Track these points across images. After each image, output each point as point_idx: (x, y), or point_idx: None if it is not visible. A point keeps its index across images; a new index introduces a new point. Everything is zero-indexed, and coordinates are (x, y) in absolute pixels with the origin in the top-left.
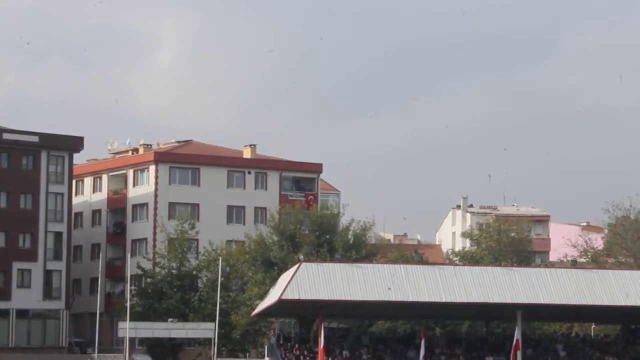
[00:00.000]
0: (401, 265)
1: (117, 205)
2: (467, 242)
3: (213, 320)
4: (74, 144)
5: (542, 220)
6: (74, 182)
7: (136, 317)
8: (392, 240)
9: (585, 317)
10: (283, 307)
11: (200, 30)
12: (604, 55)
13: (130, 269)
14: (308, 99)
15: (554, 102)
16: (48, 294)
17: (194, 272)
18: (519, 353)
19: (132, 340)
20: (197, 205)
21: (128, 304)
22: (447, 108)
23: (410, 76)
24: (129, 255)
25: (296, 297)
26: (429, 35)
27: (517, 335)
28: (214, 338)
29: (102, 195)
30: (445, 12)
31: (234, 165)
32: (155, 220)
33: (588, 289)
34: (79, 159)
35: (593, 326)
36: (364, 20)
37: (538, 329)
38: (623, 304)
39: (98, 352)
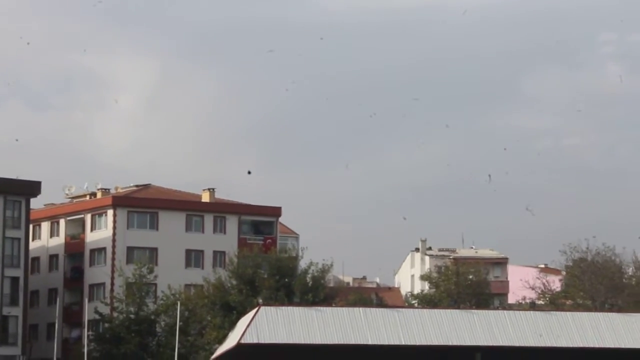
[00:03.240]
0: (360, 309)
1: (75, 249)
2: (426, 285)
3: None
4: (31, 188)
5: (500, 263)
6: (31, 226)
7: None
8: (351, 283)
9: (543, 358)
10: (242, 351)
11: (160, 75)
12: (564, 96)
13: (88, 314)
14: (266, 143)
15: (513, 143)
16: (4, 339)
17: (152, 317)
18: None
19: None
20: (156, 249)
21: (85, 350)
22: (406, 150)
23: (369, 119)
24: (86, 300)
25: (255, 341)
26: (385, 77)
27: None
28: None
29: (60, 240)
30: (407, 52)
31: (192, 209)
32: (113, 265)
33: (546, 331)
34: (36, 203)
35: None
36: (323, 66)
37: None
38: (581, 345)
39: None
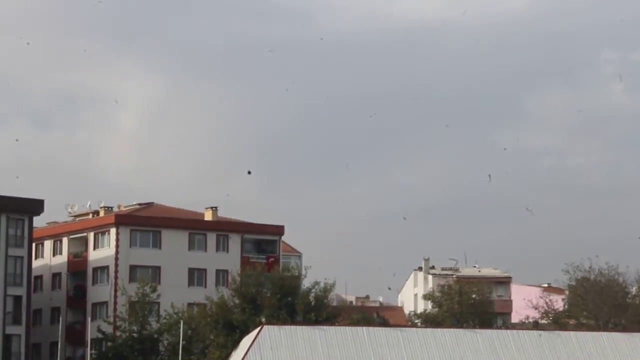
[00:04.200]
0: (363, 328)
1: (78, 268)
2: (429, 304)
3: None
4: (34, 207)
5: (503, 282)
6: (33, 245)
7: None
8: (354, 302)
9: None
10: None
11: (164, 94)
12: (567, 115)
13: (90, 333)
14: (269, 161)
15: (517, 162)
16: (7, 358)
17: (155, 336)
18: None
19: None
20: (159, 267)
21: None
22: (409, 170)
23: (371, 139)
24: (89, 319)
25: None
26: (390, 95)
27: None
28: None
29: (63, 259)
30: (410, 70)
31: (195, 227)
32: (115, 284)
33: (550, 350)
34: (39, 222)
35: None
36: (328, 85)
37: None
38: None
39: None
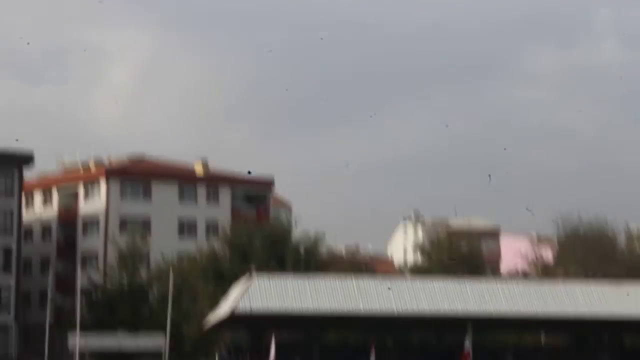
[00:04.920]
0: (353, 279)
1: (68, 219)
2: (418, 256)
3: (164, 332)
4: (24, 158)
5: (492, 233)
6: (24, 196)
7: (87, 329)
8: (343, 253)
9: (535, 327)
10: (234, 319)
11: (154, 46)
12: (560, 71)
13: (80, 283)
14: (259, 114)
15: (506, 117)
16: None
17: (145, 286)
18: None
19: (82, 352)
20: (149, 219)
21: (78, 316)
22: (401, 120)
23: (363, 91)
24: (79, 269)
25: (247, 310)
26: (382, 50)
27: (467, 345)
28: (165, 350)
29: (53, 210)
30: (401, 27)
31: (185, 179)
32: (106, 235)
33: (538, 300)
34: (29, 174)
35: (543, 336)
36: (316, 35)
37: (489, 340)
38: (573, 314)
39: None
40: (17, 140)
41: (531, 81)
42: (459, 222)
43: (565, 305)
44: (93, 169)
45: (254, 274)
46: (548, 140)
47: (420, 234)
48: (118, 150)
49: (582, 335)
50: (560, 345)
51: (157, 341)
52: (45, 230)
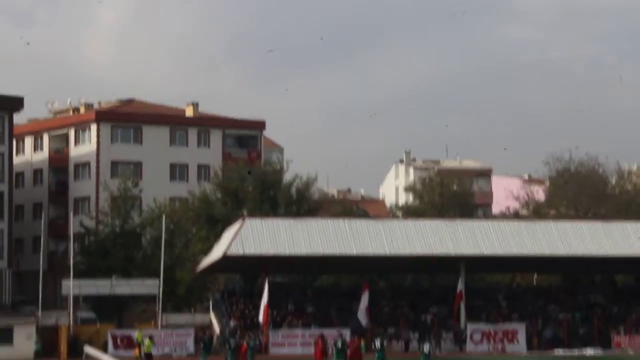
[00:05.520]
0: (345, 220)
1: (59, 164)
2: (410, 197)
3: (157, 276)
4: (14, 103)
5: (484, 174)
6: (14, 141)
7: (80, 275)
8: (335, 196)
9: (527, 267)
10: (227, 262)
11: None
12: (551, 9)
13: (73, 228)
14: (250, 57)
15: (497, 56)
16: None
17: (138, 230)
18: (461, 304)
19: (76, 298)
20: (140, 163)
21: (71, 262)
22: (392, 61)
23: (354, 30)
24: (71, 214)
25: (240, 253)
26: None
27: (460, 286)
28: (159, 294)
29: (44, 155)
30: None
31: (176, 123)
32: (97, 179)
33: (530, 240)
34: (19, 119)
35: (535, 276)
36: None
37: (481, 280)
38: (564, 254)
39: (42, 310)
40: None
41: (522, 19)
42: (450, 163)
43: (557, 245)
44: (83, 113)
45: (246, 216)
46: (539, 79)
47: (411, 175)
48: (108, 95)
49: (573, 275)
50: (552, 284)
51: (151, 286)
52: (37, 175)
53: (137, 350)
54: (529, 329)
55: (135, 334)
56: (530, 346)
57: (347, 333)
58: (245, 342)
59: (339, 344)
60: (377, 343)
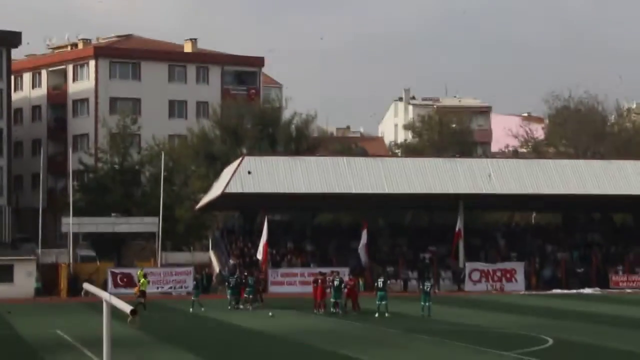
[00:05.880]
0: (344, 158)
1: (58, 100)
2: (409, 135)
3: (157, 214)
4: (12, 39)
5: (483, 112)
6: (12, 77)
7: (79, 212)
8: (334, 134)
9: (526, 206)
10: (226, 200)
11: None
12: None
13: (72, 165)
14: None
15: None
16: None
17: (137, 167)
18: (460, 242)
19: (75, 235)
20: (139, 100)
21: (71, 200)
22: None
23: None
24: (70, 150)
25: (239, 191)
26: None
27: (459, 224)
28: (158, 232)
29: (42, 91)
30: None
31: (174, 59)
32: (96, 116)
33: (529, 179)
34: (17, 54)
35: (534, 215)
36: None
37: (480, 219)
38: (563, 192)
39: (42, 248)
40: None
41: None
42: (449, 101)
43: (555, 184)
44: (81, 49)
45: (245, 154)
46: (539, 15)
47: (411, 113)
48: (107, 30)
49: (572, 214)
50: (550, 223)
51: (150, 223)
52: (35, 111)
53: (137, 289)
54: (527, 268)
55: (137, 272)
56: (528, 285)
57: (345, 272)
58: (245, 279)
59: (337, 283)
60: (380, 282)
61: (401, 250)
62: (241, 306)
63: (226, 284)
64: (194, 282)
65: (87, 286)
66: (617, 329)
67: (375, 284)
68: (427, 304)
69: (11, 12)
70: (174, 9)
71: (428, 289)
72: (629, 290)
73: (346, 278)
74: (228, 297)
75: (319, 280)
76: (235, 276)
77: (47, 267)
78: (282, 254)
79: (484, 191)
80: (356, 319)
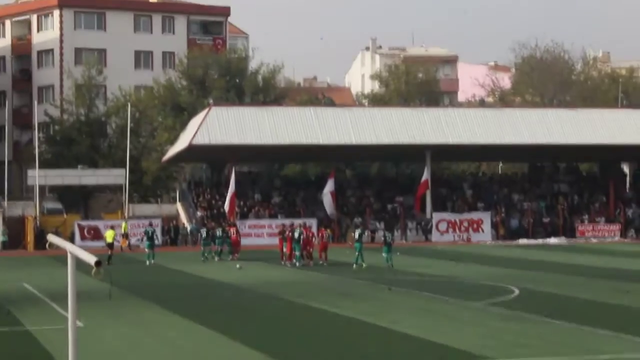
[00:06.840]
0: (311, 108)
1: (22, 51)
2: (376, 85)
3: (123, 166)
4: None
5: (450, 61)
6: None
7: (46, 164)
8: (301, 84)
9: (492, 156)
10: (193, 152)
11: None
12: None
13: (37, 117)
14: None
15: None
16: None
17: (103, 119)
18: (427, 192)
19: (42, 188)
20: (104, 50)
21: (37, 152)
22: None
23: None
24: (35, 102)
25: (206, 142)
26: None
27: (426, 175)
28: (125, 184)
29: (6, 42)
30: None
31: (140, 9)
32: (61, 67)
33: (496, 128)
34: None
35: (501, 165)
36: None
37: (447, 169)
38: (530, 142)
39: (8, 201)
40: None
41: None
42: (416, 50)
43: (522, 133)
44: None
45: (212, 105)
46: None
47: (377, 63)
48: None
49: (538, 163)
50: (517, 173)
51: (117, 175)
52: None
53: (124, 241)
54: (493, 218)
55: (122, 225)
56: (495, 236)
57: (314, 223)
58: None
59: (296, 235)
60: (356, 233)
61: (368, 201)
62: (216, 258)
63: (199, 235)
64: (145, 235)
65: (51, 237)
66: (582, 278)
67: (353, 235)
68: (389, 254)
69: None
70: None
71: (390, 240)
72: (594, 240)
73: (314, 229)
74: (202, 248)
75: (286, 232)
76: (206, 229)
77: (14, 220)
78: (250, 205)
79: (450, 141)
80: (324, 270)
